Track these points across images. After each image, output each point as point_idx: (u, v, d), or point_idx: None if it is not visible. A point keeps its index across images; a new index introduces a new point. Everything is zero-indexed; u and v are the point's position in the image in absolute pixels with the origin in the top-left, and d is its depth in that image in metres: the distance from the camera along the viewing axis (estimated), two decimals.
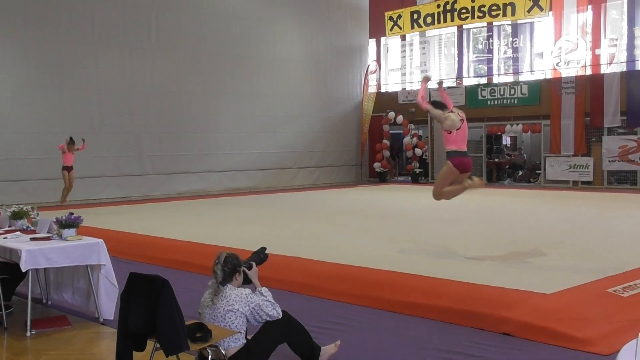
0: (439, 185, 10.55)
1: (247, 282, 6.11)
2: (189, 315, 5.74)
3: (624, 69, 24.75)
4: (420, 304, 8.19)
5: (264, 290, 6.05)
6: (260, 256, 6.35)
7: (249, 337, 5.92)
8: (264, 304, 5.88)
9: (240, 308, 5.78)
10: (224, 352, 5.62)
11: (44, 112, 22.01)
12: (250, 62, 27.64)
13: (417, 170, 30.38)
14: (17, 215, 9.23)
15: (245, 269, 6.10)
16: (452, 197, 10.73)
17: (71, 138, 19.08)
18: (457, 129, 10.46)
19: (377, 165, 31.53)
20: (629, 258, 10.42)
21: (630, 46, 24.64)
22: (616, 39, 25.11)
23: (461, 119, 10.53)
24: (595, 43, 25.40)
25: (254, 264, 6.22)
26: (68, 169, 19.06)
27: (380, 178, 31.47)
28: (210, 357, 5.54)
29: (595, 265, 9.85)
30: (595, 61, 25.42)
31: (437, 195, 10.63)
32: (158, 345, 5.37)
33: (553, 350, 6.61)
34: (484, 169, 29.01)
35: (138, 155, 24.43)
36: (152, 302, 5.27)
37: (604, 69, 25.26)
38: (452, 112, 10.64)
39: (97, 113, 23.27)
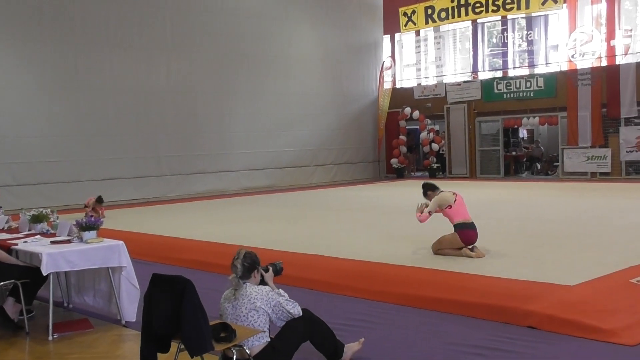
0: (440, 246, 10.48)
1: (262, 284, 6.09)
2: (210, 315, 5.71)
3: None
4: (443, 299, 8.15)
5: (281, 291, 6.06)
6: (276, 267, 6.34)
7: (272, 336, 5.90)
8: (284, 302, 5.87)
9: (263, 305, 5.76)
10: (248, 352, 5.59)
11: (59, 115, 22.06)
12: (264, 60, 27.65)
13: (435, 166, 30.29)
14: (36, 219, 9.23)
15: (262, 271, 6.09)
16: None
17: (100, 197, 18.12)
18: (454, 201, 10.40)
19: (394, 161, 31.48)
20: None
21: None
22: (631, 30, 25.06)
23: (454, 193, 10.49)
24: (610, 34, 25.33)
25: (270, 267, 6.23)
26: None
27: (398, 174, 31.42)
28: (235, 357, 5.52)
29: (617, 257, 9.78)
30: (611, 52, 25.34)
31: (435, 251, 10.58)
32: (182, 346, 5.35)
33: (578, 342, 6.57)
34: (502, 163, 28.91)
35: (155, 157, 24.46)
36: (175, 303, 5.25)
37: (620, 60, 25.17)
38: (442, 191, 10.62)
39: (113, 115, 23.31)
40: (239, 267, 5.86)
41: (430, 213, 10.50)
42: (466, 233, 10.24)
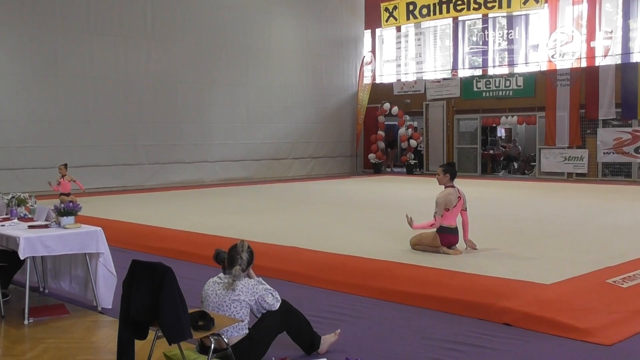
0: (419, 241, 10.46)
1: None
2: (188, 304, 5.68)
3: (619, 62, 24.84)
4: (419, 294, 8.17)
5: (260, 279, 6.08)
6: None
7: (250, 327, 5.90)
8: (265, 293, 5.89)
9: (246, 298, 5.77)
10: (226, 341, 5.59)
11: (38, 101, 21.94)
12: (245, 52, 27.59)
13: (412, 162, 30.34)
14: (20, 202, 9.15)
15: None
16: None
17: (65, 164, 18.21)
18: (453, 206, 10.28)
19: (371, 156, 31.52)
20: (627, 249, 10.46)
21: (625, 39, 24.73)
22: (611, 32, 25.21)
23: (458, 197, 10.33)
24: (590, 35, 25.52)
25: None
26: (66, 195, 17.62)
27: (375, 169, 31.48)
28: (212, 345, 5.51)
29: (593, 257, 9.84)
30: (590, 53, 25.53)
31: (413, 246, 10.56)
32: (160, 334, 5.33)
33: (553, 340, 6.61)
34: (479, 161, 29.06)
35: (132, 145, 24.36)
36: (154, 290, 5.22)
37: (599, 61, 25.32)
38: (452, 187, 10.42)
39: (92, 102, 23.20)
40: (245, 259, 5.89)
41: (442, 216, 10.17)
42: (447, 237, 10.22)
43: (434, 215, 10.26)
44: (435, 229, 10.27)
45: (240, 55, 27.43)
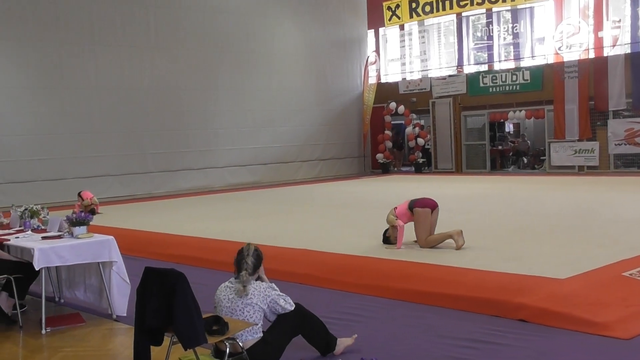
0: (422, 232, 10.50)
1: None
2: (201, 309, 5.69)
3: (628, 51, 24.54)
4: (433, 293, 8.15)
5: (273, 285, 6.09)
6: None
7: (264, 330, 5.90)
8: (277, 297, 5.91)
9: (259, 302, 5.79)
10: (241, 345, 5.59)
11: (44, 113, 21.96)
12: (248, 56, 27.56)
13: (420, 160, 30.28)
14: (32, 214, 9.21)
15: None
16: (439, 243, 10.59)
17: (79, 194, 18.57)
18: (394, 208, 10.75)
19: (379, 156, 31.44)
20: None
21: (634, 27, 24.45)
22: (619, 21, 24.94)
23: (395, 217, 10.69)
24: (598, 25, 25.23)
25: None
26: None
27: (383, 169, 31.41)
28: (227, 350, 5.51)
29: (608, 250, 9.78)
30: (598, 44, 25.23)
31: (426, 245, 10.57)
32: (175, 340, 5.35)
33: (570, 335, 6.57)
34: (488, 157, 28.94)
35: (140, 154, 24.37)
36: (168, 296, 5.24)
37: (608, 52, 25.04)
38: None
39: (98, 112, 23.21)
40: (251, 263, 5.90)
41: (399, 222, 10.62)
42: (421, 201, 10.65)
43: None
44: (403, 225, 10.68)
45: (243, 60, 27.41)
